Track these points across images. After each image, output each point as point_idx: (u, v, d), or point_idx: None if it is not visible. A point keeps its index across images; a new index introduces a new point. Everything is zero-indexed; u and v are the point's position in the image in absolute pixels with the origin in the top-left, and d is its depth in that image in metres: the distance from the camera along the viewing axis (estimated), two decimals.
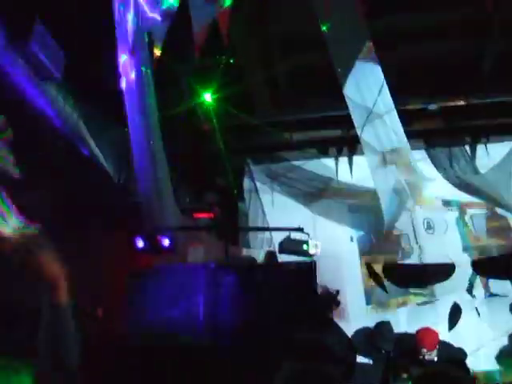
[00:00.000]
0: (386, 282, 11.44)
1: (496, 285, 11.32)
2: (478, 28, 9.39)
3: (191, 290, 7.87)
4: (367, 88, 9.23)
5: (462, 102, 10.76)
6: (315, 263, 8.43)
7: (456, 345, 8.91)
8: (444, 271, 11.22)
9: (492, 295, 11.33)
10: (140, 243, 8.88)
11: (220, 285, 7.85)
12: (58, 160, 7.32)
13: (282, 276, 8.01)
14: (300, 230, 9.54)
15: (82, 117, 8.20)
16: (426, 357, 7.87)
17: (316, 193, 11.92)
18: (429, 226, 12.13)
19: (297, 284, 7.71)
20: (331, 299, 9.15)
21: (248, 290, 7.67)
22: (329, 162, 11.94)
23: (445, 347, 8.40)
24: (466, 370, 7.54)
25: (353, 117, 9.56)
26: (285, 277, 7.95)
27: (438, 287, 11.52)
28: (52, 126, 7.42)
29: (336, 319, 9.56)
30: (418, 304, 11.62)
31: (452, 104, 10.79)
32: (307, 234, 9.62)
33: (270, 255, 10.53)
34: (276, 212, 11.87)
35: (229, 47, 8.90)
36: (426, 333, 8.22)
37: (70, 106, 7.93)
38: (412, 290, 11.66)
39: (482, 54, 9.94)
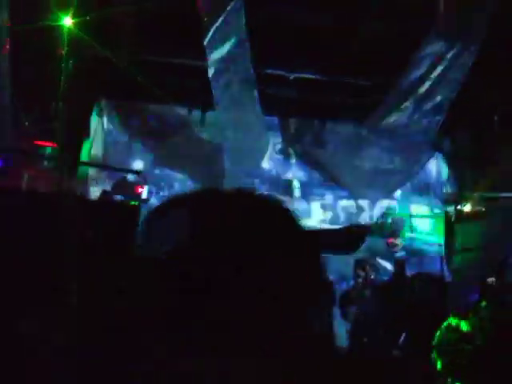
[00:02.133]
0: None
1: None
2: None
3: None
4: (228, 43, 9.14)
5: (320, 77, 10.98)
6: (139, 207, 8.19)
7: None
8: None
9: None
10: None
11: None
12: None
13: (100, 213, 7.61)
14: (138, 172, 9.41)
15: None
16: None
17: (163, 139, 11.73)
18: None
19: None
20: None
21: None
22: (182, 110, 11.82)
23: None
24: None
25: (209, 72, 9.45)
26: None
27: None
28: None
29: None
30: None
31: (308, 77, 10.97)
32: (145, 178, 9.50)
33: (105, 194, 10.29)
34: (119, 154, 11.62)
35: None
36: None
37: None
38: None
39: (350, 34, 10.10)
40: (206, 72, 9.70)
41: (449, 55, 10.09)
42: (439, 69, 10.23)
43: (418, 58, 10.06)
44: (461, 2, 9.31)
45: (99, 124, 11.73)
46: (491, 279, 9.21)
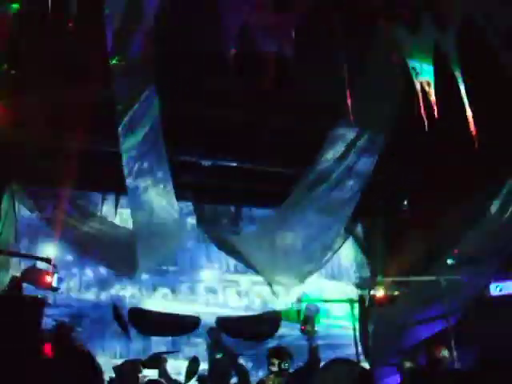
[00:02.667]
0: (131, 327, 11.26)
1: None
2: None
3: None
4: (142, 131, 9.15)
5: (234, 164, 11.11)
6: (45, 301, 7.90)
7: None
8: (188, 324, 11.35)
9: None
10: None
11: None
12: None
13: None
14: (47, 260, 9.15)
15: None
16: None
17: (76, 225, 11.51)
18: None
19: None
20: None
21: None
22: (95, 196, 11.72)
23: None
24: None
25: (123, 159, 9.40)
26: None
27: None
28: None
29: None
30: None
31: (224, 164, 11.09)
32: (55, 265, 9.25)
33: (14, 281, 9.92)
34: (30, 239, 11.33)
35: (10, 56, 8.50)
36: None
37: None
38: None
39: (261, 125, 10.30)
40: (120, 158, 9.65)
41: (358, 143, 10.34)
42: (349, 156, 10.46)
43: (328, 146, 10.28)
44: (368, 91, 9.60)
45: (10, 208, 11.41)
46: (408, 363, 9.26)
